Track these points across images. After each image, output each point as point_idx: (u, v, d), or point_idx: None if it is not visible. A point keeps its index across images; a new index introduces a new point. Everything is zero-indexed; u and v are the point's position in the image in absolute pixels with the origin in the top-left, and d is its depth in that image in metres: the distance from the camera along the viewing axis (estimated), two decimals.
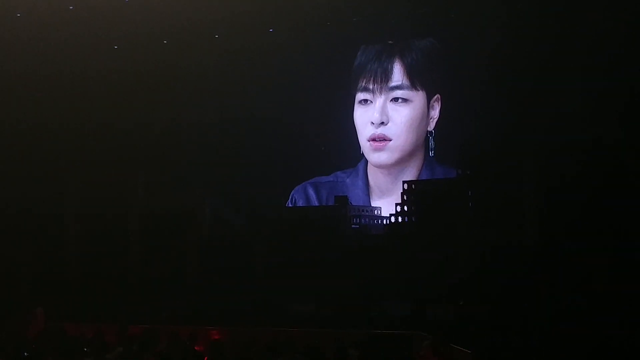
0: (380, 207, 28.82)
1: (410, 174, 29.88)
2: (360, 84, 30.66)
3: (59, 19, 27.51)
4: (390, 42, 29.93)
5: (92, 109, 29.42)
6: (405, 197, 26.77)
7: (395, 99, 29.91)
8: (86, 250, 29.22)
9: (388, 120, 29.86)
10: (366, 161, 30.50)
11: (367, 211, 28.40)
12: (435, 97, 29.79)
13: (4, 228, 28.79)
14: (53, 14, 27.17)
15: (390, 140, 29.74)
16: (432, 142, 29.76)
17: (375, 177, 30.41)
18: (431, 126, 29.98)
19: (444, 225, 25.34)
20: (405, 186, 26.95)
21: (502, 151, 25.81)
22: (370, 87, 30.43)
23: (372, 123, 29.92)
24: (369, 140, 30.02)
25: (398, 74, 30.24)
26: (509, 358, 17.17)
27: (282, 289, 24.97)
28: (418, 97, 29.96)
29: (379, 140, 29.69)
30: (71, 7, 27.22)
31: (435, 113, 29.86)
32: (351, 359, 15.90)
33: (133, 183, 30.23)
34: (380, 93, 30.30)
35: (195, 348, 17.25)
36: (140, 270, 28.51)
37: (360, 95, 30.61)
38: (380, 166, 30.08)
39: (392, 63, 30.40)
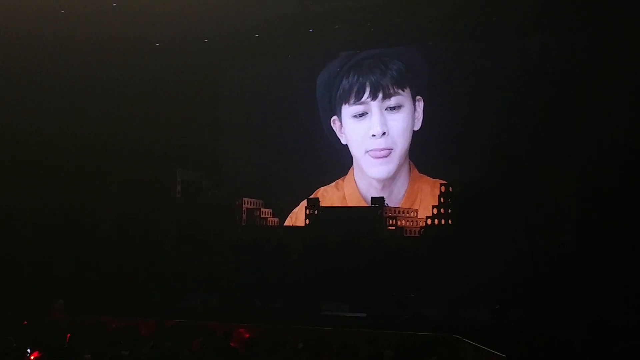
0: (417, 209, 28.75)
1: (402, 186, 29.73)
2: (350, 99, 30.48)
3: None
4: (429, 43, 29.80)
5: (124, 116, 29.77)
6: (442, 200, 26.68)
7: (392, 108, 29.93)
8: (123, 249, 29.57)
9: (388, 130, 29.91)
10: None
11: (403, 212, 28.32)
12: (418, 97, 30.05)
13: (43, 227, 29.31)
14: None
15: (392, 150, 29.80)
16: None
17: (367, 190, 30.12)
18: (417, 126, 30.15)
19: (481, 228, 25.21)
20: (443, 189, 26.86)
21: (542, 155, 25.61)
22: (363, 99, 30.24)
23: (374, 135, 29.86)
24: (368, 152, 29.92)
25: (388, 83, 30.12)
26: None
27: (316, 288, 25.04)
28: (408, 101, 30.14)
29: (383, 151, 29.68)
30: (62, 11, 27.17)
31: (419, 113, 30.06)
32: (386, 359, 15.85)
33: (170, 182, 30.51)
34: (375, 104, 30.04)
35: (231, 344, 17.31)
36: (176, 267, 28.77)
37: (352, 110, 30.45)
38: (379, 179, 29.90)
39: (381, 73, 30.27)
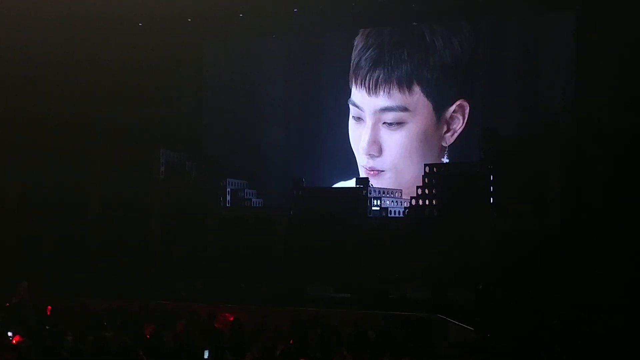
0: (401, 190, 28.64)
1: None
2: (351, 94, 28.87)
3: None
4: (414, 23, 29.07)
5: (107, 97, 29.54)
6: (426, 180, 26.63)
7: (389, 123, 27.94)
8: (107, 230, 29.44)
9: (380, 150, 28.03)
10: None
11: (388, 193, 28.23)
12: (457, 104, 27.62)
13: (26, 208, 29.17)
14: None
15: (383, 171, 28.15)
16: (447, 160, 27.51)
17: None
18: (449, 141, 27.72)
19: (465, 208, 25.23)
20: (427, 169, 26.77)
21: (527, 138, 25.59)
22: (359, 103, 28.63)
23: (363, 148, 28.20)
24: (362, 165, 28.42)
25: (389, 90, 27.95)
26: (526, 342, 17.08)
27: (300, 269, 25.03)
28: (420, 116, 27.81)
29: (371, 170, 28.23)
30: None
31: (457, 124, 27.64)
32: (370, 340, 15.88)
33: (154, 163, 30.34)
34: (371, 113, 28.12)
35: (215, 325, 17.31)
36: (161, 249, 28.69)
37: (351, 109, 29.06)
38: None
39: (385, 72, 28.06)
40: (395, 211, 27.76)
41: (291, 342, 14.53)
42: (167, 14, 28.43)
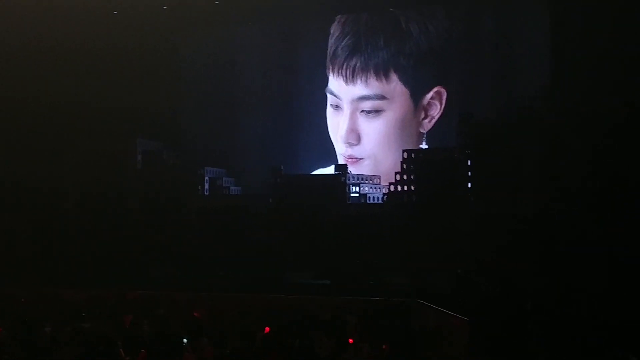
0: (380, 176, 28.70)
1: None
2: (328, 83, 28.95)
3: None
4: (391, 9, 29.04)
5: (83, 86, 29.31)
6: (404, 166, 26.69)
7: (367, 111, 28.16)
8: (85, 219, 29.25)
9: (359, 137, 28.21)
10: None
11: (366, 180, 28.28)
12: (434, 91, 27.82)
13: (3, 200, 28.91)
14: None
15: (362, 159, 28.34)
16: (425, 147, 27.63)
17: None
18: (426, 128, 27.95)
19: (443, 193, 25.31)
20: (405, 155, 26.83)
21: (503, 123, 25.65)
22: (336, 92, 28.74)
23: (341, 137, 28.35)
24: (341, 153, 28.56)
25: (366, 78, 28.14)
26: (505, 326, 17.19)
27: (280, 256, 25.00)
28: (397, 104, 28.07)
29: (350, 158, 28.32)
30: None
31: (435, 111, 27.87)
32: (349, 325, 15.92)
33: (131, 152, 30.20)
34: (349, 101, 28.32)
35: (194, 314, 17.26)
36: (139, 238, 28.55)
37: (329, 97, 29.17)
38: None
39: (362, 60, 28.20)
40: (374, 197, 27.83)
41: (267, 330, 14.51)
42: (142, 2, 28.25)
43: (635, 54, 23.69)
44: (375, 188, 28.18)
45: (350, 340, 13.72)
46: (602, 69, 24.42)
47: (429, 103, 28.00)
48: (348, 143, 28.46)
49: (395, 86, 28.20)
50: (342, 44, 29.08)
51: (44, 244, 27.74)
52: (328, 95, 29.45)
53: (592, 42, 24.58)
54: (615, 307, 16.26)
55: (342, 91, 28.88)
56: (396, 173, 26.73)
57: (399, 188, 26.57)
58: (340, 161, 28.66)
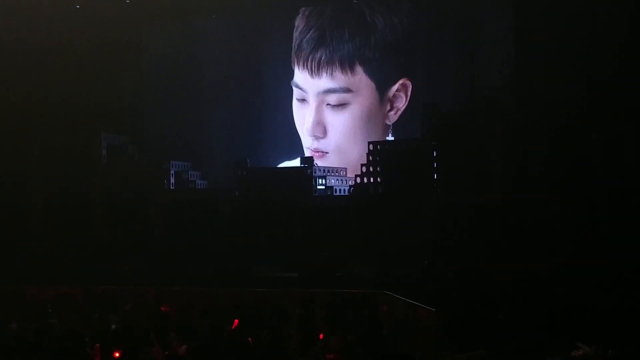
0: (346, 168, 28.72)
1: None
2: (294, 76, 28.70)
3: None
4: (355, 1, 28.98)
5: (46, 80, 28.97)
6: (370, 158, 26.74)
7: (333, 105, 27.90)
8: (50, 215, 28.99)
9: (325, 130, 28.10)
10: None
11: (332, 172, 28.30)
12: (400, 83, 27.73)
13: None
14: None
15: (328, 153, 28.19)
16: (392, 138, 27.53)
17: None
18: (392, 120, 27.87)
19: (409, 185, 25.44)
20: (371, 147, 26.85)
21: (468, 112, 25.82)
22: (302, 85, 28.50)
23: (307, 130, 28.17)
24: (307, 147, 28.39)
25: (331, 72, 27.86)
26: (472, 316, 17.39)
27: (247, 249, 25.00)
28: (363, 96, 27.90)
29: (316, 152, 28.21)
30: None
31: (401, 103, 27.78)
32: (317, 318, 15.99)
33: (95, 146, 29.90)
34: (314, 95, 28.08)
35: (162, 308, 17.23)
36: (105, 233, 28.38)
37: (294, 90, 28.90)
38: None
39: (327, 53, 27.92)
40: (340, 189, 27.86)
41: (236, 322, 14.52)
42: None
43: (599, 42, 24.04)
44: (341, 180, 28.20)
45: (321, 336, 13.78)
46: (565, 59, 24.75)
47: (394, 95, 28.05)
48: (314, 136, 28.44)
49: (360, 79, 28.22)
50: (307, 37, 29.04)
51: (6, 241, 27.39)
52: (294, 88, 29.41)
53: (554, 32, 24.88)
54: (583, 295, 16.51)
55: (308, 84, 28.86)
56: (362, 165, 26.76)
57: (365, 180, 26.62)
58: (307, 154, 28.63)
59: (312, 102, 28.58)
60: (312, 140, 28.59)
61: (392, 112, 28.14)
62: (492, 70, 26.77)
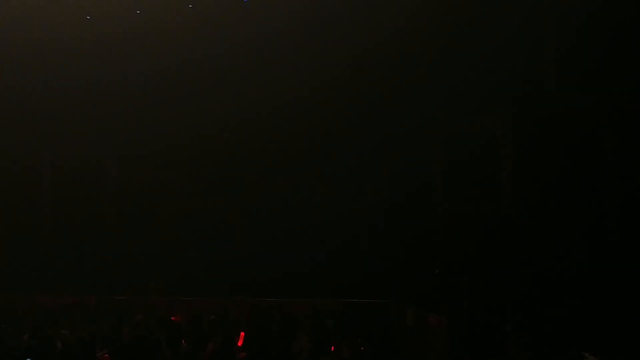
0: None
1: None
2: None
3: None
4: None
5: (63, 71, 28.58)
6: None
7: None
8: (59, 221, 28.85)
9: None
10: None
11: None
12: None
13: None
14: None
15: None
16: None
17: None
18: None
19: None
20: None
21: (477, 123, 25.72)
22: None
23: None
24: None
25: None
26: (484, 326, 17.33)
27: (245, 256, 24.89)
28: None
29: None
30: None
31: None
32: (328, 328, 15.96)
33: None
34: None
35: (172, 318, 17.24)
36: (115, 241, 28.30)
37: None
38: None
39: None
40: None
41: (242, 334, 14.52)
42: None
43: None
44: None
45: (332, 348, 13.75)
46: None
47: None
48: None
49: None
50: None
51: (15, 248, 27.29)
52: None
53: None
54: (594, 306, 16.43)
55: None
56: None
57: None
58: None
59: None
60: None
61: None
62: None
